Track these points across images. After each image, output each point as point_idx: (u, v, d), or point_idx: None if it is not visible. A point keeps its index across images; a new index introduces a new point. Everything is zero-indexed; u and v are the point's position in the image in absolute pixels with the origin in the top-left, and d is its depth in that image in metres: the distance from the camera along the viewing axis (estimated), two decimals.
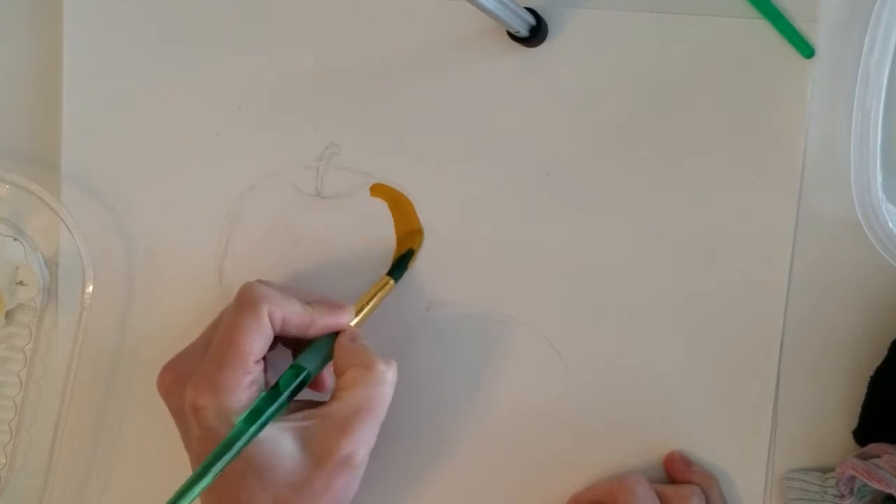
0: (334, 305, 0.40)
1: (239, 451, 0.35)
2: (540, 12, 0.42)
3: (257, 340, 0.38)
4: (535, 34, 0.42)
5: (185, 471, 0.37)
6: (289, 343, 0.42)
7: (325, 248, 0.45)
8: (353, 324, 0.41)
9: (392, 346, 0.44)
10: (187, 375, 0.38)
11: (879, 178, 0.39)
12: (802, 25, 0.41)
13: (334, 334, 0.40)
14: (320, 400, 0.40)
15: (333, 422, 0.37)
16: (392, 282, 0.43)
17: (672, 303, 0.43)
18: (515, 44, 0.43)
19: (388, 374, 0.39)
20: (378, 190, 0.45)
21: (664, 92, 0.43)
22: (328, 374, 0.41)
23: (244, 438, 0.35)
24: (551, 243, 0.44)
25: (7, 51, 0.47)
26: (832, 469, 0.41)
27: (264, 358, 0.39)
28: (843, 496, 0.40)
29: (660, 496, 0.40)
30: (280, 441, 0.37)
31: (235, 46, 0.45)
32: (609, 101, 0.43)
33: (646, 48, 0.42)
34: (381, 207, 0.45)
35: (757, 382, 0.43)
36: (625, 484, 0.40)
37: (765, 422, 0.43)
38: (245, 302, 0.38)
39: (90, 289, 0.45)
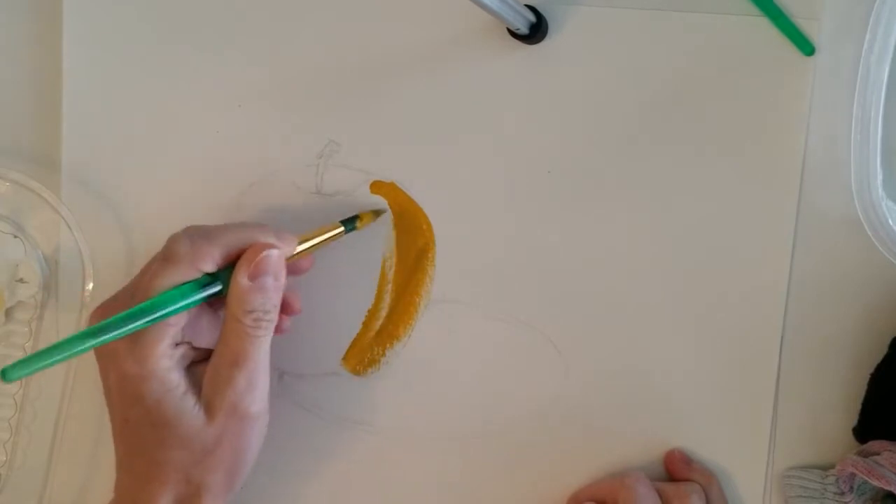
0: (276, 232, 0.39)
1: (148, 315, 0.36)
2: (540, 9, 0.42)
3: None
4: (536, 31, 0.42)
5: None
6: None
7: (325, 246, 0.45)
8: (294, 254, 0.39)
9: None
10: None
11: (880, 176, 0.39)
12: (803, 23, 0.41)
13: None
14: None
15: (217, 373, 0.38)
16: (342, 230, 0.42)
17: (672, 301, 0.43)
18: (516, 41, 0.43)
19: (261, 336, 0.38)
20: (378, 187, 0.45)
21: (664, 89, 0.43)
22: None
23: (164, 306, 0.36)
24: (551, 241, 0.44)
25: (7, 50, 0.47)
26: (832, 466, 0.41)
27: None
28: (843, 493, 0.40)
29: (660, 494, 0.40)
30: (187, 396, 0.37)
31: (235, 46, 0.45)
32: (609, 99, 0.43)
33: (646, 45, 0.42)
34: (380, 205, 0.45)
35: (757, 381, 0.43)
36: (625, 482, 0.40)
37: (765, 420, 0.43)
38: (169, 259, 0.38)
39: (90, 286, 0.45)
